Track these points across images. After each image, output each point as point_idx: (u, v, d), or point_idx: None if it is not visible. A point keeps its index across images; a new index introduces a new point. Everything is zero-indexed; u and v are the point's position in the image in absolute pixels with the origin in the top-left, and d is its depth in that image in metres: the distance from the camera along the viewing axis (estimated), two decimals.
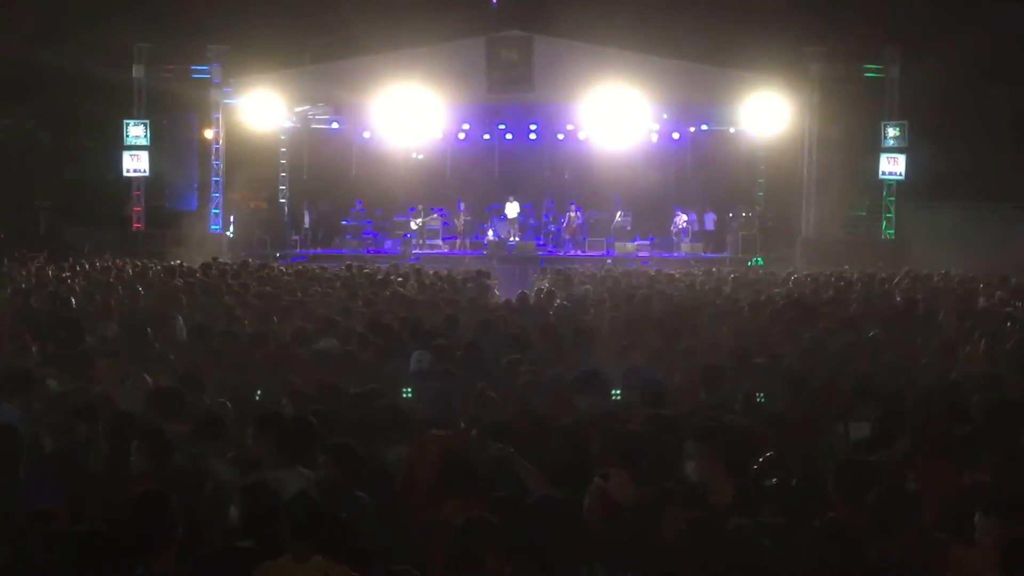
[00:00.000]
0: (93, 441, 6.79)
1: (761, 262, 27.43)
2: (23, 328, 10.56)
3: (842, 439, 7.30)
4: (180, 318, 12.32)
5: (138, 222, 29.83)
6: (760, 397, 7.91)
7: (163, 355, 9.51)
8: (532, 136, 31.30)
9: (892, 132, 28.08)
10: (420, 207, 30.72)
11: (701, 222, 30.98)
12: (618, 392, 7.96)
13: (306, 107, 30.45)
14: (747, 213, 30.61)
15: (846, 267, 21.89)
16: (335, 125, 31.73)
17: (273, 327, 11.59)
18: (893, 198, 28.69)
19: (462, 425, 7.31)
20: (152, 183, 30.42)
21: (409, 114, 27.54)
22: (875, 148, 28.39)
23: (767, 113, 27.64)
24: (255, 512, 5.40)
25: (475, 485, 5.87)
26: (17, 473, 5.99)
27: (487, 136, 31.69)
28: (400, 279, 18.36)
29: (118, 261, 22.32)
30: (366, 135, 30.55)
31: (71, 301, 13.73)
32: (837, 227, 29.20)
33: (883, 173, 28.41)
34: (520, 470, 6.03)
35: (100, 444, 6.77)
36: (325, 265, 22.82)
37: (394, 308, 13.73)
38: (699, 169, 31.74)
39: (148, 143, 29.51)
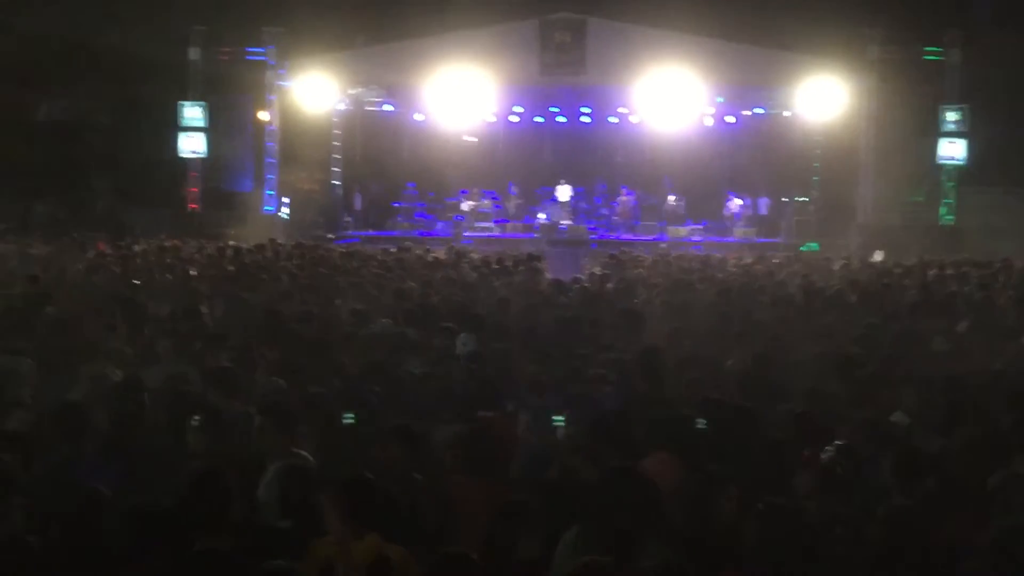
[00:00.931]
0: (150, 419, 6.89)
1: (816, 247, 27.09)
2: (96, 306, 10.74)
3: (897, 427, 7.19)
4: (236, 297, 12.45)
5: (194, 203, 30.20)
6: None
7: (218, 334, 9.63)
8: (584, 119, 31.14)
9: (952, 116, 27.55)
10: (472, 189, 30.75)
11: (755, 207, 30.65)
12: None
13: (359, 89, 30.56)
14: (802, 198, 30.25)
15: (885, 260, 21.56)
16: (388, 107, 31.82)
17: (325, 308, 11.68)
18: (953, 183, 28.18)
19: (509, 408, 7.32)
20: (208, 164, 30.77)
21: (461, 96, 27.55)
22: (934, 132, 27.90)
23: (823, 96, 27.27)
24: (295, 494, 5.43)
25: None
26: (81, 450, 6.10)
27: (539, 119, 31.60)
28: (451, 261, 18.42)
29: (175, 241, 22.62)
30: (418, 117, 30.62)
31: (132, 281, 13.95)
32: (894, 212, 28.74)
33: (942, 158, 27.90)
34: (570, 459, 6.02)
35: (157, 422, 6.87)
36: (377, 247, 22.95)
37: (444, 290, 13.78)
38: (753, 153, 31.41)
39: (205, 125, 29.85)
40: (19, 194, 32.79)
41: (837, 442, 5.80)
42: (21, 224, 29.50)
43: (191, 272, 15.54)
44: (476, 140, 31.93)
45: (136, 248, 20.31)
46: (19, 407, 6.86)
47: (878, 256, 23.09)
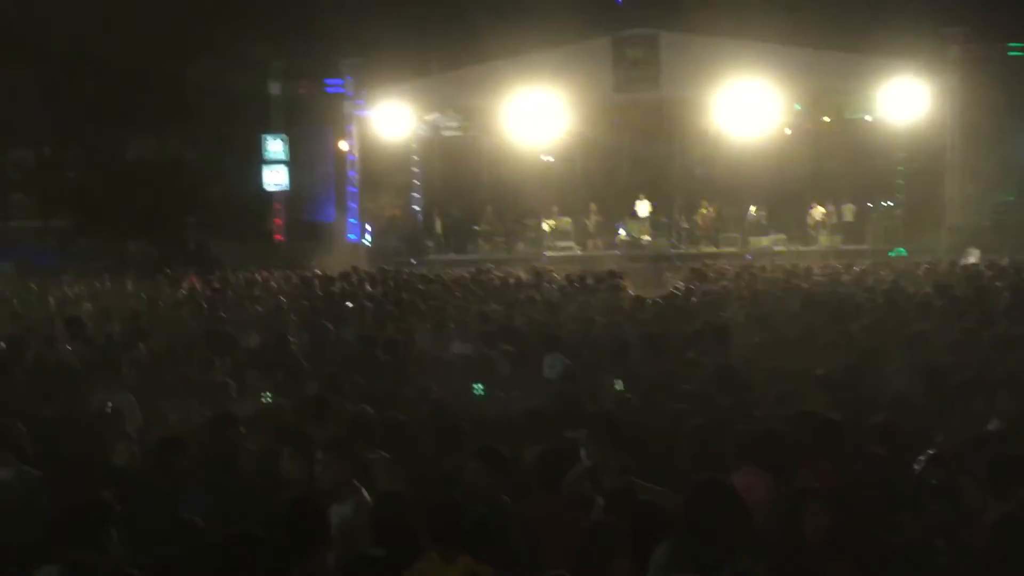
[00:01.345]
0: (241, 449, 7.03)
1: (904, 252, 26.53)
2: (191, 342, 11.02)
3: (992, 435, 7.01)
4: (323, 326, 12.66)
5: (279, 234, 30.82)
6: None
7: (304, 364, 9.80)
8: (662, 133, 31.00)
9: None
10: (551, 208, 30.82)
11: (839, 214, 30.11)
12: None
13: (435, 115, 30.91)
14: (887, 203, 29.65)
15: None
16: (465, 131, 32.09)
17: (410, 333, 11.81)
18: None
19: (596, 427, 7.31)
20: (291, 196, 31.41)
21: (537, 117, 27.70)
22: (1022, 130, 27.16)
23: (905, 99, 26.78)
24: (389, 520, 5.49)
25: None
26: (178, 483, 6.26)
27: (616, 135, 31.55)
28: (533, 282, 18.48)
29: (263, 273, 23.09)
30: (495, 140, 30.82)
31: (220, 314, 14.29)
32: (984, 213, 28.01)
33: None
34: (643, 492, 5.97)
35: (248, 451, 7.01)
36: (459, 271, 23.12)
37: (527, 311, 13.83)
38: (835, 160, 30.87)
39: (287, 157, 30.51)
40: (113, 233, 33.87)
41: (929, 451, 5.69)
42: (117, 263, 30.41)
43: (281, 301, 15.83)
44: (553, 159, 32.01)
45: (226, 281, 20.79)
46: (123, 440, 7.06)
47: (972, 257, 22.53)
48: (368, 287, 18.56)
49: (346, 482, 6.10)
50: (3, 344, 11.01)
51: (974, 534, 4.87)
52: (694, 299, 15.04)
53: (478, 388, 8.48)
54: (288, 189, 30.98)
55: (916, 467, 5.60)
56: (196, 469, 6.56)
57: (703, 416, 7.17)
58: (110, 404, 8.13)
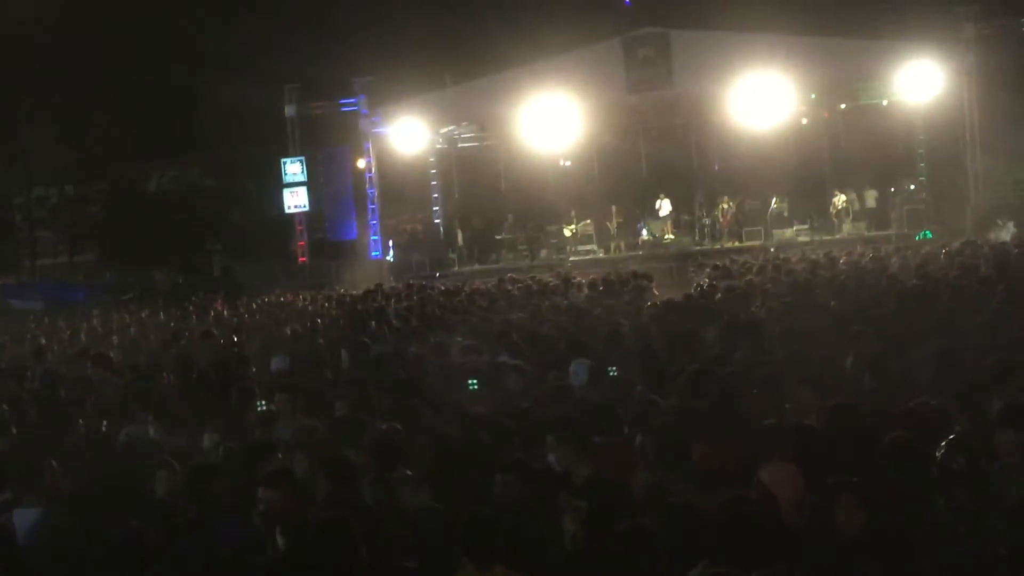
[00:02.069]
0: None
1: (930, 235, 26.31)
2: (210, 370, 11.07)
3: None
4: (363, 344, 12.67)
5: (303, 256, 31.01)
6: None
7: (335, 383, 9.85)
8: (677, 131, 30.94)
9: None
10: (571, 213, 30.82)
11: (861, 201, 29.90)
12: None
13: (451, 127, 31.01)
14: (910, 187, 29.43)
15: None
16: (481, 142, 32.16)
17: (436, 348, 11.82)
18: None
19: (625, 430, 7.31)
20: (312, 217, 31.61)
21: (552, 122, 27.72)
22: None
23: (921, 81, 26.59)
24: (427, 535, 5.52)
25: None
26: (213, 511, 6.30)
27: (632, 136, 31.52)
28: (557, 288, 18.47)
29: (288, 295, 23.23)
30: (512, 148, 30.86)
31: (242, 340, 14.41)
32: (1007, 191, 27.75)
33: None
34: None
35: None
36: (483, 281, 23.15)
37: (553, 318, 13.81)
38: (854, 146, 30.69)
39: (305, 179, 30.71)
40: (139, 265, 34.20)
41: (951, 437, 5.65)
42: (144, 292, 30.71)
43: (306, 325, 15.90)
44: (571, 164, 32.02)
45: (253, 305, 20.92)
46: (164, 469, 7.04)
47: (1006, 234, 22.22)
48: (394, 303, 18.60)
49: None
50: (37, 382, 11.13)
51: (998, 520, 4.81)
52: (718, 296, 14.97)
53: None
54: (309, 210, 31.17)
55: (938, 454, 5.57)
56: (231, 497, 6.59)
57: (734, 413, 7.15)
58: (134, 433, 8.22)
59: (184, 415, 8.75)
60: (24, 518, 6.38)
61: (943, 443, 5.62)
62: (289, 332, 15.08)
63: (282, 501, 5.82)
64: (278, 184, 31.24)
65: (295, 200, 30.90)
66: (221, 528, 5.97)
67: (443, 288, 22.00)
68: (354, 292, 21.72)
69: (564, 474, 6.29)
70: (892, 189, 29.65)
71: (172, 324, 18.55)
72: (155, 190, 38.59)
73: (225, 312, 19.82)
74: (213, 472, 6.69)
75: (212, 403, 9.13)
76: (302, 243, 31.11)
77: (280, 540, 5.62)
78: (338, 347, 12.69)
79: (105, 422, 9.02)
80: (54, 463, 6.95)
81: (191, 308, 21.22)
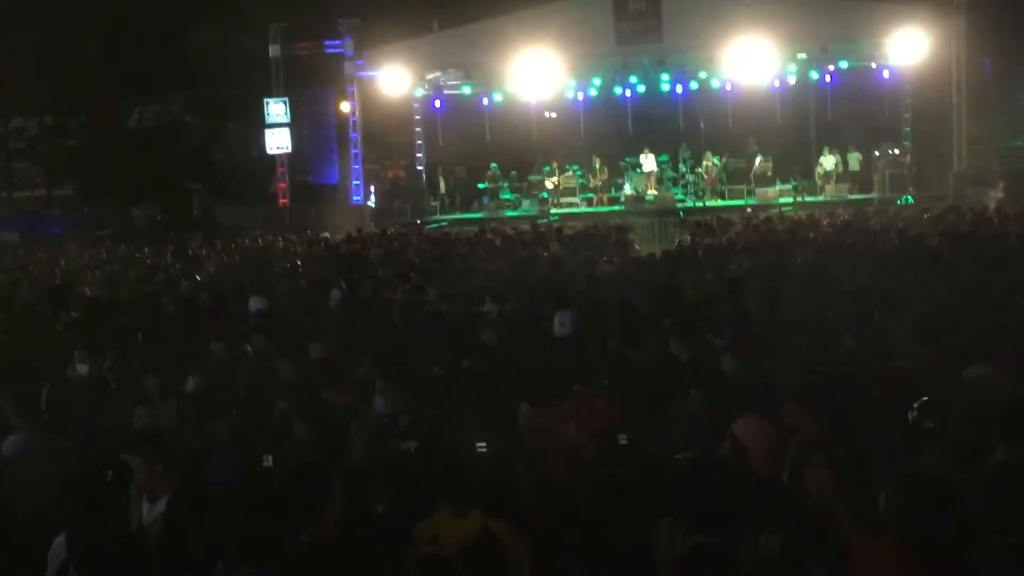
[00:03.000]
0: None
1: (911, 200, 26.38)
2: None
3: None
4: (334, 290, 12.64)
5: (284, 198, 30.77)
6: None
7: (317, 327, 9.82)
8: (664, 87, 30.75)
9: None
10: (555, 165, 30.69)
11: (845, 163, 29.92)
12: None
13: (437, 73, 30.69)
14: (894, 150, 29.44)
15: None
16: (467, 89, 31.87)
17: (417, 294, 11.81)
18: None
19: (604, 383, 7.35)
20: (294, 159, 31.30)
21: (539, 73, 27.48)
22: None
23: (909, 44, 26.46)
24: (401, 480, 5.53)
25: None
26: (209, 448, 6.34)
27: (619, 90, 31.32)
28: (538, 239, 18.45)
29: (269, 237, 23.08)
30: (497, 97, 30.64)
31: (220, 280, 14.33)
32: (992, 159, 27.80)
33: None
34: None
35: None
36: (463, 229, 23.09)
37: (534, 270, 13.81)
38: (840, 108, 30.61)
39: (288, 120, 30.36)
40: (118, 200, 33.85)
41: (923, 399, 5.70)
42: (122, 229, 30.44)
43: (286, 266, 15.84)
44: (556, 116, 31.81)
45: (232, 245, 20.80)
46: (143, 405, 7.03)
47: (991, 200, 22.25)
48: (375, 249, 18.54)
49: None
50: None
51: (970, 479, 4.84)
52: (700, 252, 15.00)
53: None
54: (291, 152, 30.86)
55: (910, 415, 5.61)
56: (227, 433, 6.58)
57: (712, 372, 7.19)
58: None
59: (159, 355, 8.65)
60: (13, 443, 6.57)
61: (915, 405, 5.67)
62: (269, 273, 15.03)
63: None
64: (260, 124, 30.88)
65: (277, 141, 30.55)
66: (219, 462, 6.01)
67: (424, 235, 21.95)
68: (333, 236, 21.60)
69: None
70: (876, 152, 29.66)
71: (149, 261, 18.42)
72: (135, 126, 38.11)
73: (204, 251, 19.68)
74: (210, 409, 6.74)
75: (186, 343, 9.10)
76: (283, 185, 30.85)
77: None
78: (320, 290, 12.65)
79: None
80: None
81: (169, 246, 21.09)
